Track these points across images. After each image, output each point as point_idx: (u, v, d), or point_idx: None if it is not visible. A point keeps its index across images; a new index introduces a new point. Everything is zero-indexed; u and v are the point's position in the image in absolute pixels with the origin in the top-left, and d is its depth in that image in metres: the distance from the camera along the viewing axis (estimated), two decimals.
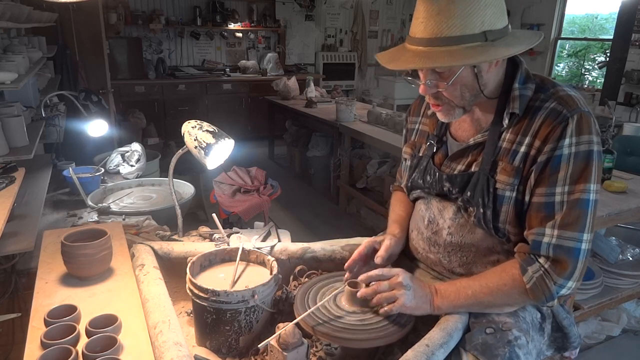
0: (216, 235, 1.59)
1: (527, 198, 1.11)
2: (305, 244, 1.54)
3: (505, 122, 1.13)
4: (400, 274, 1.14)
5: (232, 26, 6.75)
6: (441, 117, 1.19)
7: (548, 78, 1.16)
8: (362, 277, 1.20)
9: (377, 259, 1.27)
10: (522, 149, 1.10)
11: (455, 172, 1.22)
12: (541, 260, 1.08)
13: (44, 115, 2.57)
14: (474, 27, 1.02)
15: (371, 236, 1.56)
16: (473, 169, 1.18)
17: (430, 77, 1.10)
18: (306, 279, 1.44)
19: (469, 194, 1.17)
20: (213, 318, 1.21)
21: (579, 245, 1.05)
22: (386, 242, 1.31)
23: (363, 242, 1.32)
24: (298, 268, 1.48)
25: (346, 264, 1.29)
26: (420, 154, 1.33)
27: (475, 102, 1.15)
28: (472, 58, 1.02)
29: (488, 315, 1.12)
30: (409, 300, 1.12)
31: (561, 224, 1.06)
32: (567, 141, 1.05)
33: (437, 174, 1.25)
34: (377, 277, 1.17)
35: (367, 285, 1.18)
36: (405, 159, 1.39)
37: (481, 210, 1.15)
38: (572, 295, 2.35)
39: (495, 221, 1.15)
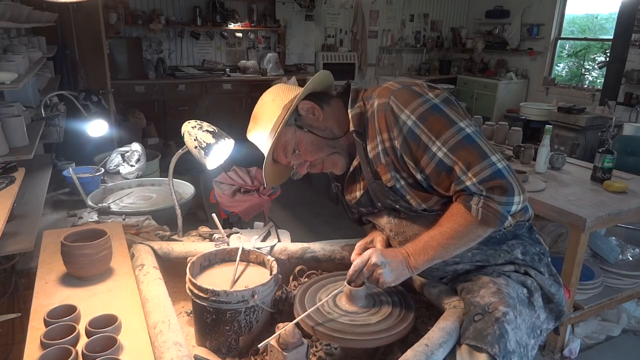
0: (216, 235, 1.59)
1: (419, 176, 1.18)
2: (305, 244, 1.54)
3: (359, 140, 1.26)
4: (372, 256, 1.18)
5: (232, 26, 6.74)
6: (336, 172, 1.34)
7: (375, 86, 1.27)
8: (347, 280, 1.21)
9: None
10: (380, 147, 1.22)
11: (358, 197, 1.33)
12: (477, 195, 1.12)
13: (44, 115, 2.57)
14: (275, 115, 1.23)
15: None
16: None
17: (292, 161, 1.28)
18: (306, 279, 1.44)
19: (379, 204, 1.30)
20: (213, 318, 1.21)
21: (495, 168, 1.10)
22: (379, 238, 1.35)
23: (355, 249, 1.34)
24: (298, 268, 1.49)
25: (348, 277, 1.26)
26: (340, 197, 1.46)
27: (340, 144, 1.29)
28: (275, 125, 1.23)
29: (473, 299, 1.15)
30: (388, 275, 1.16)
31: (467, 166, 1.11)
32: (403, 117, 1.15)
33: (349, 205, 1.39)
34: (355, 271, 1.19)
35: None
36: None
37: (397, 206, 1.24)
38: (570, 292, 2.36)
39: (417, 207, 1.21)
